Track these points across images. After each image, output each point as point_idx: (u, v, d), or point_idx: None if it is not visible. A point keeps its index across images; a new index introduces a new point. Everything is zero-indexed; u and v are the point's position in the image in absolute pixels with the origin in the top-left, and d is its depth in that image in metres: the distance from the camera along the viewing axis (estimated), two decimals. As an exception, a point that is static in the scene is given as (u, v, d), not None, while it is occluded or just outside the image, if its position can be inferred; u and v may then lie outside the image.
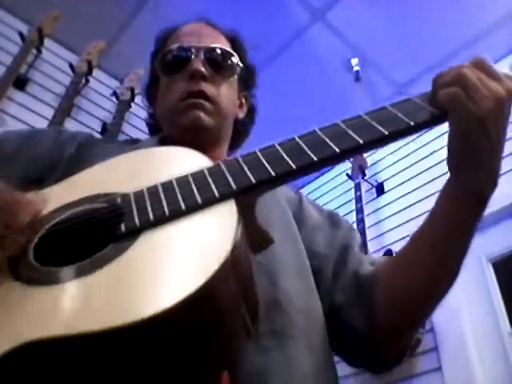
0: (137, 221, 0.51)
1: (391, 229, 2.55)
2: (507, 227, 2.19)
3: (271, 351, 0.63)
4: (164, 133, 0.93)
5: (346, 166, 2.92)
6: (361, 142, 0.57)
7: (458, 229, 0.68)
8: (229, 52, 0.93)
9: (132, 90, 2.48)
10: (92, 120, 2.48)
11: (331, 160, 0.57)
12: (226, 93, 0.90)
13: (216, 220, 0.50)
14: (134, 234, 0.50)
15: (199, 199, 0.51)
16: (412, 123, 0.60)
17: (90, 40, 2.45)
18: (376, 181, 2.85)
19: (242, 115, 0.98)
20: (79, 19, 2.42)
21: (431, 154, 2.57)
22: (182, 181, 0.55)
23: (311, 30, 2.47)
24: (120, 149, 0.81)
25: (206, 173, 0.55)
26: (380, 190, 2.80)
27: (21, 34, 2.30)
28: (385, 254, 2.34)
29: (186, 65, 0.88)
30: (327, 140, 0.57)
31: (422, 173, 2.57)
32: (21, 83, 2.26)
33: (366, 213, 2.59)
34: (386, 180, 2.81)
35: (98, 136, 2.39)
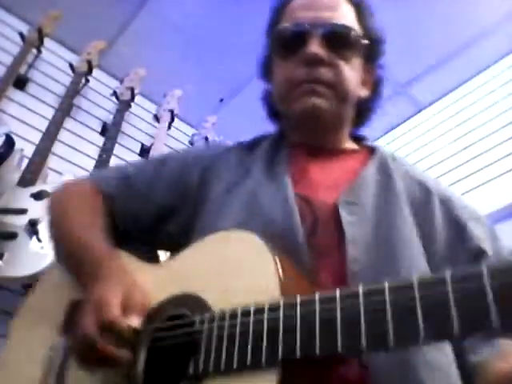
0: (200, 366, 0.55)
1: (391, 229, 2.54)
2: (507, 227, 2.18)
3: None
4: (281, 125, 0.90)
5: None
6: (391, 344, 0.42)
7: None
8: (351, 28, 0.82)
9: (132, 89, 2.48)
10: (92, 120, 2.48)
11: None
12: (347, 75, 0.81)
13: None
14: (197, 378, 0.55)
15: (264, 360, 0.50)
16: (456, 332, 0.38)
17: (89, 40, 2.45)
18: (376, 181, 2.84)
19: (365, 93, 0.88)
20: (79, 19, 2.42)
21: (431, 154, 2.57)
22: (257, 327, 0.53)
23: (311, 30, 2.47)
24: (239, 166, 0.82)
25: (280, 322, 0.51)
26: (380, 189, 2.80)
27: (21, 34, 2.30)
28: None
29: (302, 46, 0.80)
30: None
31: (422, 173, 2.57)
32: (21, 83, 2.25)
33: (366, 213, 2.58)
34: (386, 180, 2.80)
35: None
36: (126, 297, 0.63)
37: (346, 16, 0.84)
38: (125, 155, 2.50)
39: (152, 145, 2.56)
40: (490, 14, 2.33)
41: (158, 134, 2.58)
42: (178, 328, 0.61)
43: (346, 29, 0.82)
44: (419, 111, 2.80)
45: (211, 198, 0.79)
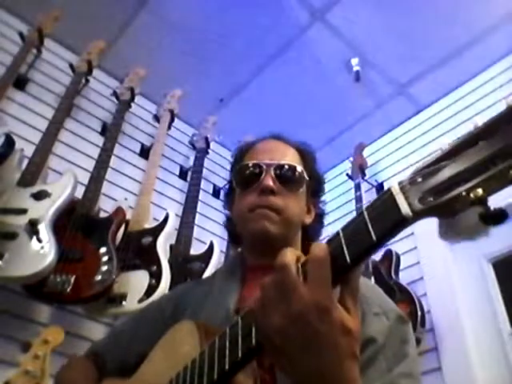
0: None
1: (391, 229, 2.54)
2: (507, 227, 2.18)
3: None
4: (241, 247, 1.08)
5: (346, 166, 2.91)
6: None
7: None
8: (296, 167, 1.03)
9: (132, 89, 2.48)
10: (92, 120, 2.48)
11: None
12: (293, 204, 1.00)
13: None
14: None
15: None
16: None
17: (90, 40, 2.45)
18: (376, 181, 2.84)
19: (309, 220, 1.06)
20: (79, 19, 2.42)
21: (431, 153, 2.56)
22: (194, 367, 0.69)
23: (311, 30, 2.47)
24: (204, 294, 1.00)
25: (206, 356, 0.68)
26: (380, 190, 2.80)
27: (21, 34, 2.30)
28: (385, 254, 2.34)
29: (258, 180, 0.99)
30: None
31: (422, 173, 2.57)
32: (21, 83, 2.26)
33: (366, 213, 2.59)
34: (385, 180, 2.80)
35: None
36: None
37: (293, 159, 1.04)
38: (125, 155, 2.50)
39: (152, 145, 2.56)
40: (489, 14, 2.33)
41: (158, 134, 2.58)
42: None
43: (294, 168, 1.02)
44: (419, 111, 2.80)
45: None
